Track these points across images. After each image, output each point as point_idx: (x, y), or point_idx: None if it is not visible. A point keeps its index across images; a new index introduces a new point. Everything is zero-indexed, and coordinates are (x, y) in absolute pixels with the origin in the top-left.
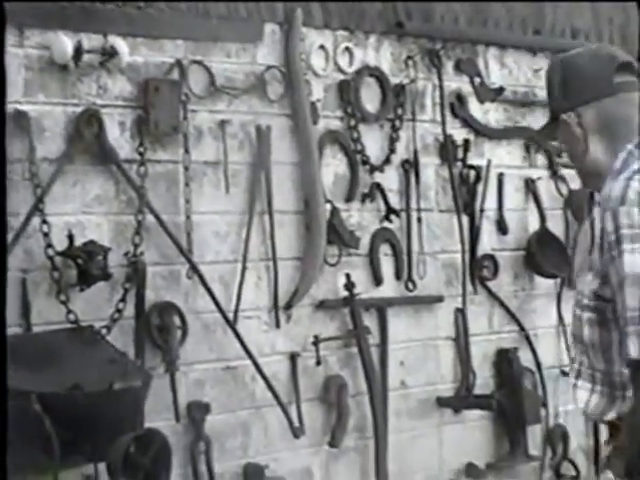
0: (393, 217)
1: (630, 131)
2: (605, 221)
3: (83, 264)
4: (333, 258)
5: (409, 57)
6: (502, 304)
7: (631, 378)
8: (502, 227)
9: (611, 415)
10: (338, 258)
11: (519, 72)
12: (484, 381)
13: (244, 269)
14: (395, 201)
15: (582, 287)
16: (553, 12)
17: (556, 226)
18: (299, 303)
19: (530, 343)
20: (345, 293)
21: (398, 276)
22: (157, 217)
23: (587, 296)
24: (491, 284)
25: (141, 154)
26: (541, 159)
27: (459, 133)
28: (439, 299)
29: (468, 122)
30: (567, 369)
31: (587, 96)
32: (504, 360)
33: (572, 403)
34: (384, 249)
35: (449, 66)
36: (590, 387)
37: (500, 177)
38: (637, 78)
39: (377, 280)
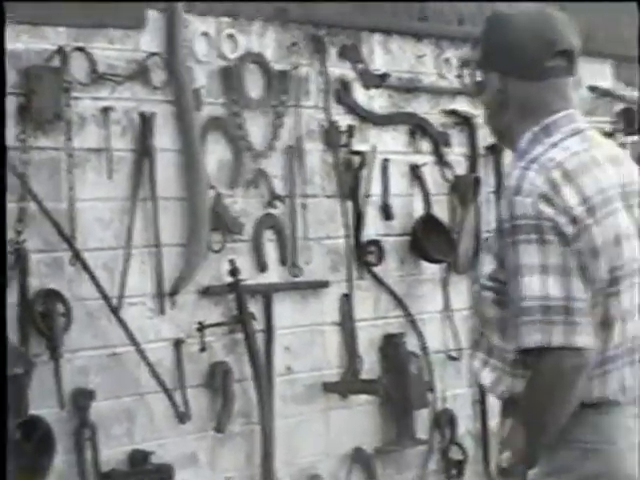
0: (278, 203)
1: (548, 114)
2: (502, 209)
3: None
4: (217, 244)
5: (293, 44)
6: (388, 289)
7: (522, 361)
8: (387, 212)
9: (501, 389)
10: (222, 244)
11: (403, 58)
12: (370, 366)
13: (128, 256)
14: (280, 187)
15: (481, 267)
16: None
17: (441, 211)
18: (184, 289)
19: (416, 328)
20: (230, 279)
21: (283, 262)
22: (40, 204)
23: (485, 276)
24: (377, 269)
25: (23, 141)
26: (426, 145)
27: (344, 119)
28: (324, 284)
29: (353, 108)
30: (454, 353)
31: (517, 73)
32: (390, 345)
33: (460, 385)
34: (269, 235)
35: (333, 52)
36: (485, 358)
37: (385, 163)
38: (572, 64)
39: (261, 266)
